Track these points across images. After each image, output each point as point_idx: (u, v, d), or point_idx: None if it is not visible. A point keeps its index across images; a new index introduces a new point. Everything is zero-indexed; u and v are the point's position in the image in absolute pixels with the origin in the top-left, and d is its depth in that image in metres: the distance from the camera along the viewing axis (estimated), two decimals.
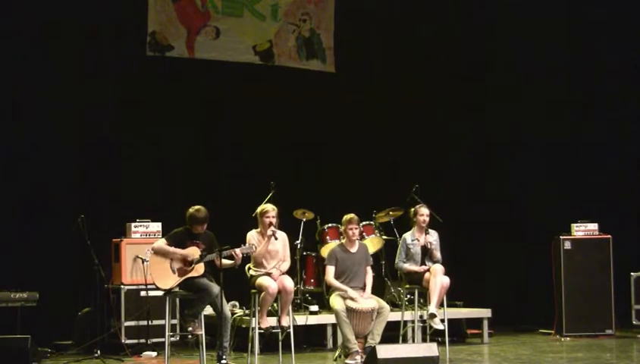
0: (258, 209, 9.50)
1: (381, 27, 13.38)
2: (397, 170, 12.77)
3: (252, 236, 9.40)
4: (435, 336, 10.10)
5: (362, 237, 10.68)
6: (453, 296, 11.10)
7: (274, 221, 9.34)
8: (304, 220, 11.42)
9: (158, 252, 8.95)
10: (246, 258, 9.32)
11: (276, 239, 9.33)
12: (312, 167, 12.75)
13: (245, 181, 12.06)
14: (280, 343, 9.35)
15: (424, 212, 10.11)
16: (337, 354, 9.61)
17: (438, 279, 9.75)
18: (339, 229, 11.13)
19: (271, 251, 9.37)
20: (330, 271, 9.57)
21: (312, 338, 10.94)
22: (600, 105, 13.69)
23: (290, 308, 9.40)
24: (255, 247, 9.21)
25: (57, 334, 10.60)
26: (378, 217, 11.69)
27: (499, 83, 13.64)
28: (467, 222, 13.10)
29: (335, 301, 9.37)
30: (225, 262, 8.92)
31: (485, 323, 11.51)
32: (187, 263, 8.91)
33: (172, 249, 8.93)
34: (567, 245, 11.94)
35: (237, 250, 8.93)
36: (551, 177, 13.63)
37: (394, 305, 10.96)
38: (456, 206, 12.62)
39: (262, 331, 9.27)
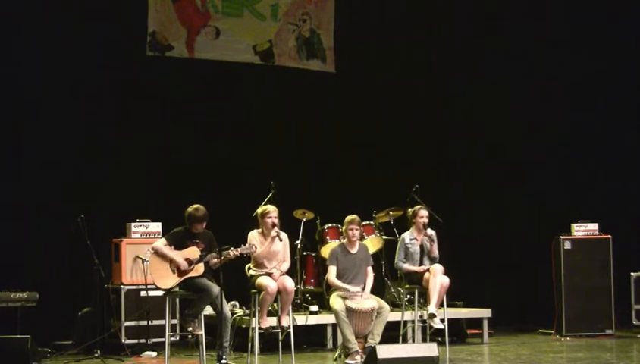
0: (259, 210, 9.50)
1: (381, 27, 13.38)
2: (397, 170, 12.76)
3: (254, 236, 9.39)
4: (435, 336, 10.10)
5: (362, 237, 10.67)
6: (453, 296, 11.11)
7: (276, 221, 9.34)
8: (304, 220, 11.43)
9: (157, 253, 8.95)
10: (246, 258, 9.33)
11: (280, 240, 9.33)
12: (312, 167, 12.74)
13: (245, 181, 12.07)
14: (280, 343, 9.35)
15: (423, 214, 10.10)
16: (337, 354, 9.61)
17: (438, 279, 9.75)
18: (339, 229, 11.16)
19: (272, 251, 9.37)
20: (332, 270, 9.57)
21: (312, 338, 10.94)
22: (601, 105, 13.68)
23: (290, 308, 9.40)
24: (256, 247, 9.21)
25: (57, 334, 10.58)
26: (378, 217, 11.70)
27: (499, 82, 13.63)
28: (467, 222, 13.10)
29: (335, 301, 9.37)
30: (214, 260, 8.93)
31: (485, 323, 11.51)
32: (187, 263, 8.91)
33: (169, 254, 8.91)
34: (567, 245, 11.94)
35: (237, 250, 8.93)
36: (552, 176, 13.62)
37: (394, 305, 10.96)
38: (456, 206, 12.62)
39: (262, 331, 9.26)
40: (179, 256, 8.91)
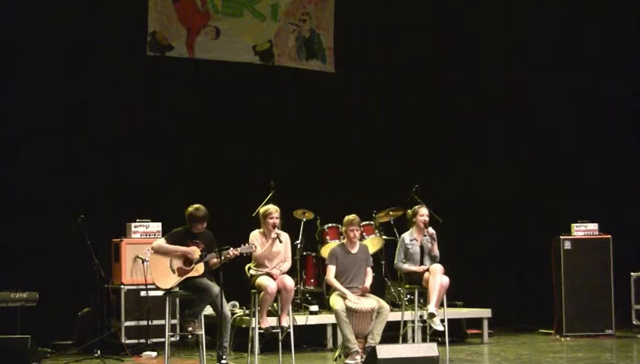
0: (261, 210, 9.48)
1: (381, 27, 13.38)
2: (397, 170, 12.76)
3: (255, 236, 9.39)
4: (435, 336, 10.10)
5: (362, 237, 10.67)
6: (453, 296, 11.10)
7: (277, 222, 9.33)
8: (304, 220, 11.43)
9: (158, 251, 8.93)
10: (246, 258, 9.33)
11: (280, 242, 9.32)
12: (312, 167, 12.75)
13: (245, 181, 12.07)
14: (280, 343, 9.35)
15: (424, 212, 10.10)
16: (337, 354, 9.61)
17: (437, 279, 9.74)
18: (339, 229, 11.15)
19: (273, 252, 9.36)
20: (331, 270, 9.58)
21: (312, 338, 10.95)
22: (600, 105, 13.67)
23: (290, 308, 9.39)
24: (255, 247, 9.21)
25: (57, 334, 10.59)
26: (378, 217, 11.70)
27: (498, 82, 13.63)
28: (467, 222, 13.10)
29: (335, 301, 9.37)
30: (214, 260, 8.93)
31: (485, 323, 11.51)
32: (187, 263, 8.91)
33: (173, 246, 8.91)
34: (567, 245, 11.94)
35: (237, 250, 8.92)
36: (551, 176, 13.61)
37: (394, 305, 10.96)
38: (456, 206, 12.61)
39: (262, 331, 9.26)
40: (183, 247, 8.89)
